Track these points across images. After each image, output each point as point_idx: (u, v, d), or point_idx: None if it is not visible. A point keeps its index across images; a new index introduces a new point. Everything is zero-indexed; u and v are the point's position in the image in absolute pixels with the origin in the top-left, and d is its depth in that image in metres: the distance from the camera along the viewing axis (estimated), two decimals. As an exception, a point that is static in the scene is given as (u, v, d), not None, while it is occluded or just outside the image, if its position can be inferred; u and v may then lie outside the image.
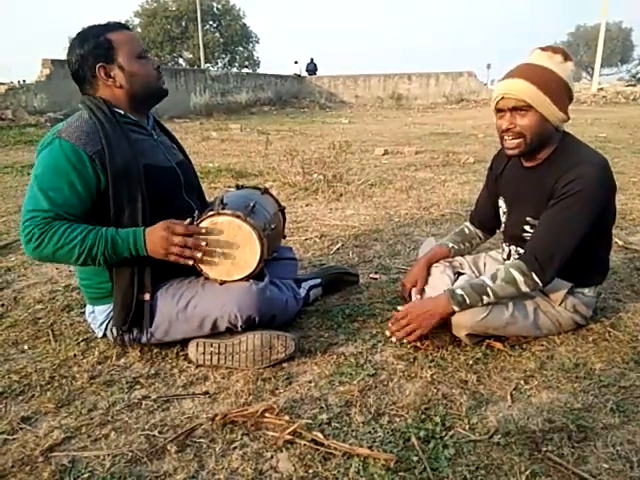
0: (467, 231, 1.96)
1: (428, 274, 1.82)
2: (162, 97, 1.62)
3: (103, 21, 1.54)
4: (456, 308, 1.53)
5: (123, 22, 1.61)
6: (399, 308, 1.66)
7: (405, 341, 1.61)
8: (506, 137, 1.54)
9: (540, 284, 1.52)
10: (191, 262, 1.46)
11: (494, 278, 1.54)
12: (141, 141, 1.55)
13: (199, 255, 1.45)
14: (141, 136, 1.57)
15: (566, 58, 1.49)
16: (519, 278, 1.51)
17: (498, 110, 1.54)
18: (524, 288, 1.52)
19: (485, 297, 1.53)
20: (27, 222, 1.38)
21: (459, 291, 1.54)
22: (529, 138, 1.51)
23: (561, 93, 1.47)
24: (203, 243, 1.45)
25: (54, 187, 1.39)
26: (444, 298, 1.56)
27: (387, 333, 1.63)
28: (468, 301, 1.53)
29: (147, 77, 1.54)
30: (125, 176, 1.45)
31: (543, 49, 1.51)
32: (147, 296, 1.53)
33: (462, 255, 1.92)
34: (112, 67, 1.50)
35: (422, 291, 1.78)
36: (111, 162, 1.43)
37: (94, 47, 1.47)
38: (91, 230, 1.40)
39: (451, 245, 1.90)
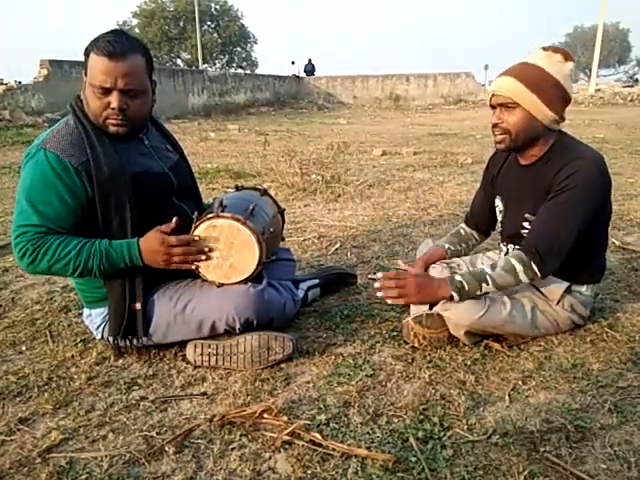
0: (463, 232, 1.96)
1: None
2: (116, 134, 1.47)
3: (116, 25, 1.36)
4: (454, 294, 1.52)
5: (122, 44, 1.36)
6: (401, 265, 1.66)
7: (389, 302, 1.55)
8: (495, 132, 1.60)
9: (539, 274, 1.52)
10: (194, 267, 1.48)
11: (493, 267, 1.54)
12: (129, 149, 1.52)
13: (203, 257, 1.46)
14: (130, 144, 1.53)
15: (567, 58, 1.52)
16: (518, 267, 1.51)
17: (491, 107, 1.59)
18: (523, 278, 1.52)
19: (484, 284, 1.52)
20: (18, 238, 1.38)
21: (458, 277, 1.54)
22: (514, 134, 1.55)
23: (551, 92, 1.50)
24: (206, 249, 1.46)
25: (44, 201, 1.38)
26: (443, 282, 1.54)
27: (376, 285, 1.54)
28: (467, 288, 1.52)
29: (92, 109, 1.43)
30: (112, 187, 1.43)
31: (545, 49, 1.54)
32: (138, 305, 1.52)
33: (459, 256, 1.93)
34: (86, 79, 1.43)
35: None
36: (97, 174, 1.41)
37: (85, 51, 1.42)
38: (85, 244, 1.40)
39: (447, 246, 1.91)
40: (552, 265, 1.53)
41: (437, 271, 1.80)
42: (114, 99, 1.40)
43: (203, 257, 1.47)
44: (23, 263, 1.39)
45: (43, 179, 1.39)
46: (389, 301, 1.55)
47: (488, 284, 1.53)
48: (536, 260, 1.51)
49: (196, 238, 1.46)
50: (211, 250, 1.48)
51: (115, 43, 1.36)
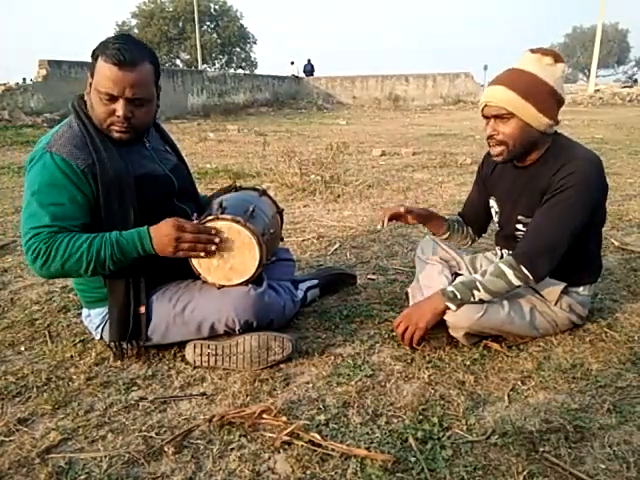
0: (460, 220, 1.98)
1: (413, 217, 1.84)
2: (119, 139, 1.47)
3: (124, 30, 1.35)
4: (449, 304, 1.53)
5: (132, 53, 1.37)
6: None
7: (414, 345, 1.60)
8: (491, 143, 1.57)
9: (531, 277, 1.51)
10: (202, 254, 1.46)
11: (484, 274, 1.55)
12: (132, 152, 1.52)
13: (213, 248, 1.45)
14: (133, 147, 1.53)
15: (557, 60, 1.49)
16: (508, 271, 1.51)
17: (484, 116, 1.56)
18: (515, 281, 1.51)
19: (475, 292, 1.52)
20: (31, 240, 1.36)
21: (450, 288, 1.56)
22: (511, 145, 1.52)
23: (545, 99, 1.47)
24: (216, 239, 1.45)
25: (55, 202, 1.38)
26: (435, 295, 1.57)
27: (408, 349, 1.62)
28: (459, 296, 1.53)
29: (97, 114, 1.44)
30: (116, 189, 1.44)
31: (533, 51, 1.51)
32: (143, 309, 1.52)
33: (454, 237, 1.93)
34: (91, 82, 1.43)
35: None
36: (102, 176, 1.42)
37: (93, 54, 1.42)
38: (95, 237, 1.39)
39: (448, 218, 1.92)
40: (544, 268, 1.52)
41: (437, 270, 1.80)
42: (120, 107, 1.40)
43: (213, 247, 1.45)
44: (37, 265, 1.37)
45: (52, 182, 1.38)
46: (414, 344, 1.60)
47: (479, 291, 1.52)
48: (525, 263, 1.50)
49: (213, 231, 1.45)
50: (221, 241, 1.46)
51: (125, 51, 1.35)
